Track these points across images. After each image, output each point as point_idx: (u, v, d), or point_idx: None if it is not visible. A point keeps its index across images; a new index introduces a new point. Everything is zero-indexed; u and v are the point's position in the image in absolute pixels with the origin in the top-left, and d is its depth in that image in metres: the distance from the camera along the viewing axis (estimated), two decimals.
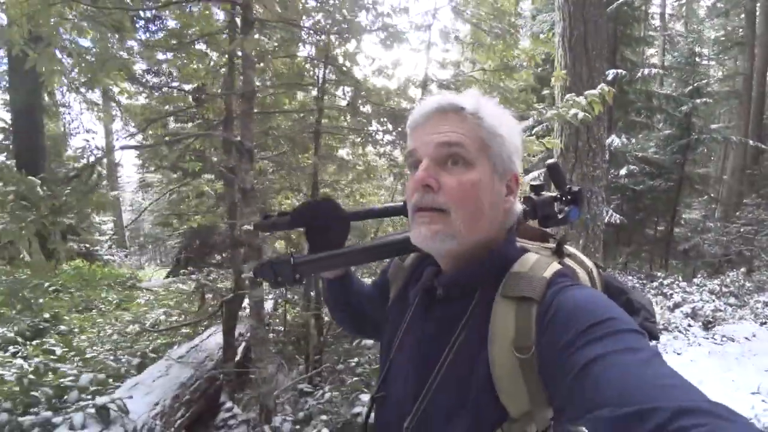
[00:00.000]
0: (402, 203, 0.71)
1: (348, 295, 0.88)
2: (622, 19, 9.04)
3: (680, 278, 7.16)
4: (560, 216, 0.74)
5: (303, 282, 0.79)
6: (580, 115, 2.27)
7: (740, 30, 16.04)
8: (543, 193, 0.75)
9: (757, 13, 13.94)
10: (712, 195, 12.69)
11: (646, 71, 9.21)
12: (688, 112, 9.77)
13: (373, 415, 0.76)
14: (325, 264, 0.79)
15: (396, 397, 0.69)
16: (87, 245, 12.71)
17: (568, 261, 0.69)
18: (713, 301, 5.80)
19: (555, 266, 0.60)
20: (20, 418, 1.91)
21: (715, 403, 0.39)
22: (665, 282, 6.69)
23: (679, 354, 4.25)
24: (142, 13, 8.30)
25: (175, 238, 11.35)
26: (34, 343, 3.49)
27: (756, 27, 13.86)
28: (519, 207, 0.68)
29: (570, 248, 0.73)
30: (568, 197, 0.74)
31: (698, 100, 9.79)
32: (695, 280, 7.16)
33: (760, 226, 9.35)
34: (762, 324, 5.08)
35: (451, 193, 0.59)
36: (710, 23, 18.22)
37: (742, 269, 7.78)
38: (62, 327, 4.10)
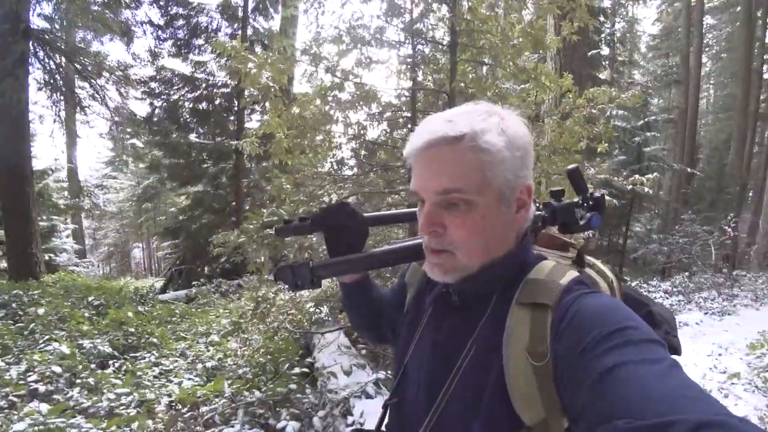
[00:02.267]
0: (416, 209, 0.70)
1: (366, 299, 0.89)
2: (593, 64, 11.04)
3: (640, 281, 9.00)
4: (581, 222, 0.73)
5: (321, 285, 0.81)
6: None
7: (674, 68, 19.20)
8: (563, 198, 0.76)
9: (691, 57, 16.98)
10: (656, 211, 15.25)
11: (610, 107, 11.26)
12: (640, 142, 12.02)
13: (386, 421, 0.75)
14: (343, 268, 0.81)
15: (410, 404, 0.70)
16: (50, 255, 12.47)
17: (588, 271, 0.70)
18: (669, 297, 7.59)
19: (572, 273, 0.61)
20: None
21: (736, 417, 0.38)
22: (633, 284, 8.49)
23: None
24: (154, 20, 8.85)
25: (168, 249, 11.65)
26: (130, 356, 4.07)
27: (690, 67, 16.83)
28: (533, 211, 0.67)
29: (591, 258, 0.74)
30: (590, 203, 0.74)
31: (648, 133, 12.08)
32: (652, 282, 9.02)
33: (695, 238, 11.67)
34: (705, 313, 6.86)
35: (456, 237, 0.60)
36: (651, 63, 21.47)
37: (686, 273, 9.82)
38: (154, 340, 4.39)
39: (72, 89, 9.89)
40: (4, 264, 10.75)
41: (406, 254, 0.76)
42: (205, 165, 10.34)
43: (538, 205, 0.73)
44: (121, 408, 2.79)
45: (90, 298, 5.83)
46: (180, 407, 2.53)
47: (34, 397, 3.04)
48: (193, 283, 8.65)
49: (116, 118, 10.31)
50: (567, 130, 3.77)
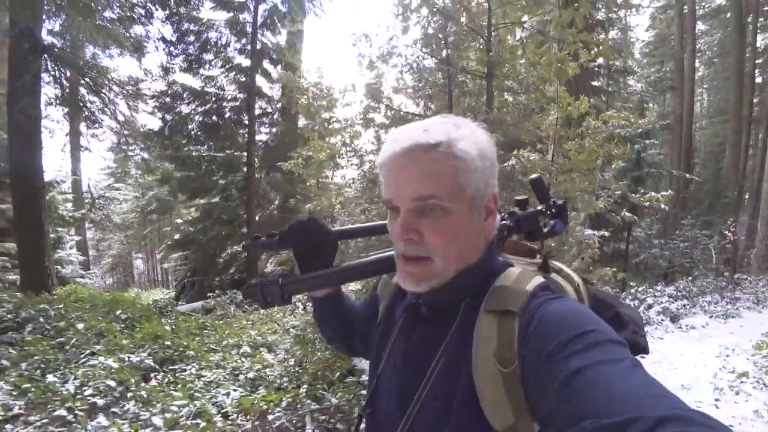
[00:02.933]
0: (386, 222, 0.72)
1: (337, 313, 0.90)
2: (590, 74, 11.42)
3: (647, 287, 9.30)
4: (545, 230, 0.76)
5: (291, 301, 0.83)
6: None
7: (669, 74, 19.71)
8: (527, 207, 0.78)
9: (684, 63, 17.47)
10: (656, 216, 15.63)
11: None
12: (639, 149, 12.39)
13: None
14: (313, 284, 0.82)
15: (383, 414, 0.71)
16: (57, 266, 12.60)
17: (554, 276, 0.72)
18: (674, 301, 7.88)
19: (538, 279, 0.63)
20: None
21: (696, 411, 0.40)
22: (639, 289, 8.76)
23: (661, 339, 6.07)
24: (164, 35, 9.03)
25: (178, 261, 11.79)
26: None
27: (684, 73, 17.31)
28: (498, 219, 0.70)
29: (557, 263, 0.76)
30: (552, 211, 0.77)
31: (647, 141, 12.46)
32: (657, 287, 9.33)
33: (695, 242, 12.02)
34: (710, 317, 7.15)
35: (433, 243, 0.62)
36: (645, 70, 21.98)
37: (688, 277, 10.14)
38: (191, 353, 4.54)
39: (82, 104, 10.08)
40: (11, 276, 10.87)
41: (376, 267, 0.78)
42: (215, 177, 10.55)
43: (503, 214, 0.76)
44: (181, 419, 2.99)
45: (117, 312, 6.00)
46: (241, 417, 2.73)
47: (93, 410, 3.24)
48: (209, 294, 8.81)
49: (126, 131, 10.53)
50: (585, 150, 4.06)
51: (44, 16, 9.30)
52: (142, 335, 4.84)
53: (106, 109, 10.09)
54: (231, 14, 10.56)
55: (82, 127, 11.24)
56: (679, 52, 17.88)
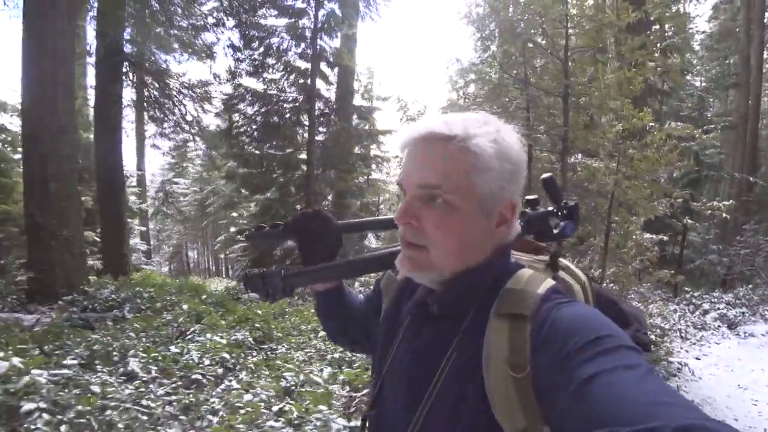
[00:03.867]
0: (392, 217, 0.72)
1: (340, 307, 0.91)
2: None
3: (702, 292, 9.28)
4: (555, 231, 0.76)
5: (293, 294, 0.84)
6: None
7: (733, 69, 18.78)
8: (538, 207, 0.78)
9: (751, 57, 16.64)
10: (714, 221, 15.13)
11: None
12: (697, 151, 12.10)
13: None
14: (315, 276, 0.82)
15: (389, 416, 0.71)
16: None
17: (562, 274, 0.72)
18: (732, 309, 7.89)
19: (549, 282, 0.62)
20: None
21: (716, 421, 0.39)
22: (695, 294, 8.79)
23: (718, 344, 6.21)
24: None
25: (239, 252, 12.82)
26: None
27: (750, 68, 16.49)
28: (518, 227, 0.69)
29: (564, 261, 0.76)
30: (564, 212, 0.77)
31: (706, 140, 12.16)
32: (714, 293, 9.28)
33: (757, 249, 11.64)
34: None
35: (429, 232, 0.62)
36: (706, 64, 21.01)
37: (750, 286, 9.97)
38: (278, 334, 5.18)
39: (158, 106, 11.14)
40: (90, 261, 12.21)
41: (380, 263, 0.77)
42: (274, 174, 11.38)
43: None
44: (292, 387, 3.62)
45: (203, 296, 6.84)
46: (348, 388, 3.29)
47: (216, 377, 3.93)
48: None
49: (192, 131, 11.54)
50: (648, 159, 4.37)
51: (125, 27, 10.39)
52: (234, 317, 5.59)
53: (176, 110, 11.13)
54: (291, 20, 11.30)
55: (151, 127, 12.48)
56: (745, 44, 17.05)
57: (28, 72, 6.97)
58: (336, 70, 11.87)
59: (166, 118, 11.15)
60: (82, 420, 2.43)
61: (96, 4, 9.83)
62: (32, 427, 2.25)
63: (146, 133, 13.22)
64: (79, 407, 2.51)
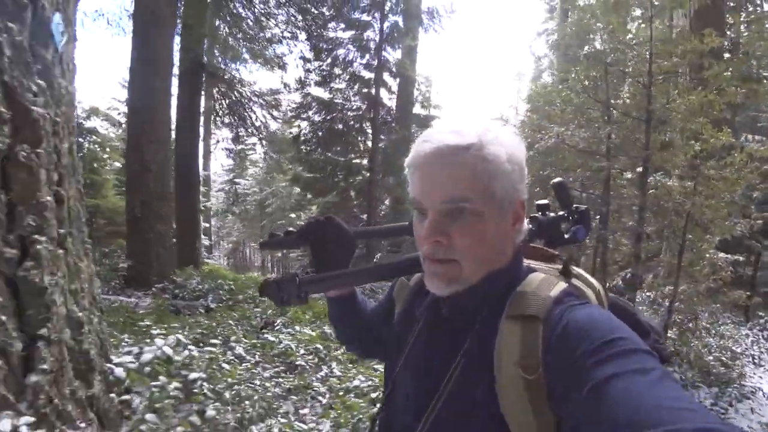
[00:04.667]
0: (407, 223, 0.73)
1: (353, 314, 0.92)
2: None
3: None
4: (567, 236, 0.78)
5: (307, 301, 0.83)
6: None
7: None
8: (549, 212, 0.79)
9: None
10: None
11: None
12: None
13: None
14: (330, 283, 0.83)
15: (399, 419, 0.72)
16: None
17: (575, 281, 0.72)
18: None
19: (561, 285, 0.63)
20: None
21: (731, 426, 0.40)
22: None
23: None
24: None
25: (300, 251, 13.71)
26: None
27: None
28: (525, 227, 0.70)
29: (577, 269, 0.76)
30: (575, 216, 0.78)
31: None
32: None
33: None
34: None
35: (461, 246, 0.62)
36: None
37: None
38: None
39: (231, 113, 12.20)
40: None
41: (394, 270, 0.78)
42: (336, 179, 12.08)
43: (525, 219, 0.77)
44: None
45: None
46: None
47: (314, 365, 4.46)
48: None
49: (261, 135, 12.51)
50: (727, 180, 4.49)
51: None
52: (314, 312, 6.20)
53: (246, 117, 12.12)
54: (356, 32, 11.98)
55: (224, 131, 13.62)
56: None
57: (133, 82, 8.02)
58: (397, 79, 12.42)
59: (237, 124, 12.20)
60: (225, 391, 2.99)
61: (180, 21, 10.97)
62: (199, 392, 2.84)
63: (214, 138, 14.48)
64: (229, 380, 3.10)
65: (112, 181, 11.82)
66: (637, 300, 4.55)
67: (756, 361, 6.34)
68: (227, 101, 12.29)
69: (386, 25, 11.82)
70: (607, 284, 4.90)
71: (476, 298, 0.65)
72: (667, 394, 0.44)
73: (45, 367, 1.68)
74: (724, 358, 5.48)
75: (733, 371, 5.27)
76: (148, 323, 4.34)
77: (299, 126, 11.81)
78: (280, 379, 3.95)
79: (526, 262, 0.74)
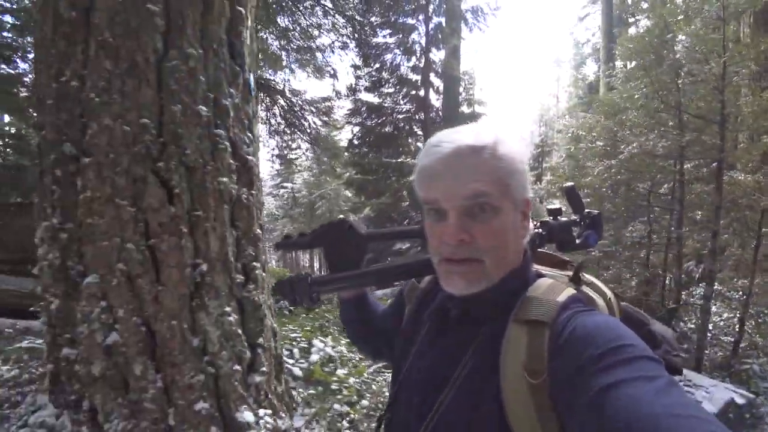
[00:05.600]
0: (418, 226, 0.74)
1: (364, 315, 0.94)
2: None
3: None
4: (578, 241, 0.78)
5: (319, 300, 0.85)
6: None
7: None
8: (560, 217, 0.80)
9: None
10: None
11: None
12: None
13: None
14: (342, 284, 0.86)
15: (404, 420, 0.72)
16: None
17: (586, 289, 0.72)
18: None
19: (569, 291, 0.64)
20: None
21: None
22: None
23: None
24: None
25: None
26: None
27: None
28: (531, 227, 0.72)
29: (588, 276, 0.76)
30: (587, 221, 0.79)
31: None
32: None
33: None
34: None
35: (485, 243, 0.62)
36: None
37: None
38: None
39: (285, 121, 12.99)
40: None
41: (405, 271, 0.80)
42: (389, 181, 12.64)
43: (535, 223, 0.78)
44: None
45: None
46: None
47: None
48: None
49: (314, 142, 13.20)
50: None
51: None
52: None
53: (299, 124, 12.84)
54: (402, 36, 12.42)
55: (277, 139, 14.46)
56: None
57: None
58: (442, 80, 12.78)
59: (290, 132, 12.94)
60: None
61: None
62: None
63: (263, 142, 15.35)
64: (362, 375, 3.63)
65: None
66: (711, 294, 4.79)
67: None
68: (280, 110, 13.10)
69: (431, 26, 12.19)
70: (683, 277, 5.13)
71: (489, 300, 0.66)
72: (673, 401, 0.44)
73: (264, 369, 2.29)
74: None
75: None
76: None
77: (351, 131, 12.43)
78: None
79: (537, 267, 0.75)
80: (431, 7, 12.05)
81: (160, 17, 1.97)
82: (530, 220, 0.71)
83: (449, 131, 0.66)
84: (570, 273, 0.76)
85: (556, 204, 0.84)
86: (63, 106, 1.99)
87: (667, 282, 6.05)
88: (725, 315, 6.33)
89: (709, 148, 4.44)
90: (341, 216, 1.00)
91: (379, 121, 12.52)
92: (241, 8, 2.27)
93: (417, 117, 12.50)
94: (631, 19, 20.12)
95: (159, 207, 1.91)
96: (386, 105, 12.56)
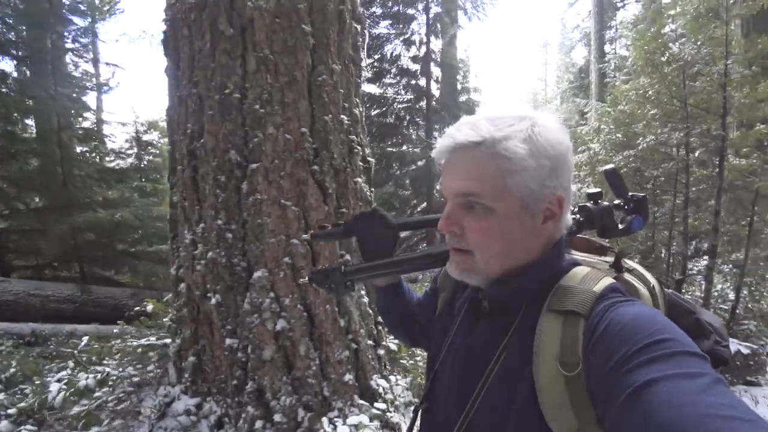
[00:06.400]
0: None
1: (398, 302, 0.98)
2: None
3: None
4: (621, 226, 0.77)
5: (354, 289, 0.90)
6: None
7: None
8: (600, 201, 0.78)
9: None
10: None
11: None
12: None
13: (417, 427, 0.81)
14: (374, 272, 0.90)
15: (440, 410, 0.74)
16: None
17: (627, 276, 0.71)
18: None
19: (607, 280, 0.63)
20: None
21: None
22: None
23: None
24: None
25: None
26: None
27: None
28: (569, 221, 0.70)
29: (631, 262, 0.75)
30: (631, 205, 0.77)
31: None
32: None
33: None
34: None
35: (472, 238, 0.65)
36: None
37: None
38: None
39: None
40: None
41: (437, 259, 0.83)
42: (391, 170, 13.13)
43: (573, 208, 0.76)
44: None
45: None
46: None
47: None
48: None
49: None
50: None
51: None
52: None
53: None
54: (402, 26, 12.81)
55: None
56: None
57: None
58: (441, 68, 13.27)
59: None
60: None
61: None
62: None
63: None
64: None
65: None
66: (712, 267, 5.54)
67: None
68: None
69: (430, 16, 12.62)
70: (689, 252, 5.88)
71: (510, 292, 0.67)
72: (717, 401, 0.42)
73: (384, 343, 2.77)
74: None
75: None
76: None
77: None
78: None
79: (574, 254, 0.75)
80: None
81: (311, 36, 2.37)
82: (567, 216, 0.70)
83: (465, 119, 0.67)
84: (610, 259, 0.75)
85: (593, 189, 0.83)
86: (228, 116, 2.30)
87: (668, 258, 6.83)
88: (719, 286, 7.17)
89: (712, 138, 5.14)
90: (374, 206, 1.07)
91: (381, 111, 12.95)
92: (358, 25, 2.71)
93: (418, 106, 12.97)
94: (620, 3, 20.91)
95: (317, 206, 2.37)
96: (388, 95, 12.99)
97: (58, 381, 3.10)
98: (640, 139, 5.19)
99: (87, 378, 3.00)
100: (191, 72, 2.53)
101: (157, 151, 9.38)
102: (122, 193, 8.10)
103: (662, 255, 6.24)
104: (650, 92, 5.09)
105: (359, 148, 2.56)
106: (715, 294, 7.11)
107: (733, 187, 5.62)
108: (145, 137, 9.62)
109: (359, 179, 2.55)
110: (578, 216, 0.78)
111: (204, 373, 2.61)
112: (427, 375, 0.84)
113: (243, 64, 2.36)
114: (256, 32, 2.33)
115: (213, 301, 2.44)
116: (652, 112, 5.15)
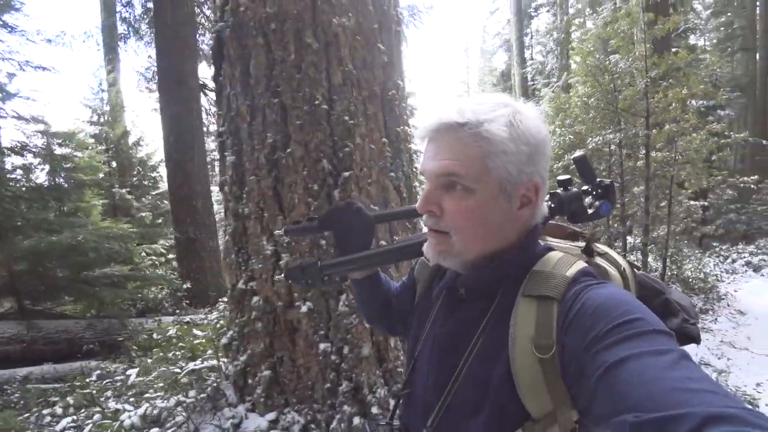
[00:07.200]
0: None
1: (376, 293, 1.02)
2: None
3: (729, 245, 12.23)
4: (590, 211, 0.81)
5: (332, 283, 0.94)
6: None
7: (737, 30, 20.39)
8: (570, 187, 0.82)
9: (757, 19, 17.95)
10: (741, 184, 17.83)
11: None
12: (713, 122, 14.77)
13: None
14: (351, 266, 0.93)
15: (419, 395, 0.79)
16: None
17: (598, 260, 0.76)
18: (755, 257, 10.83)
19: (579, 264, 0.68)
20: None
21: (749, 410, 0.41)
22: (723, 248, 11.75)
23: (747, 282, 8.86)
24: None
25: None
26: None
27: (757, 32, 17.91)
28: (544, 210, 0.74)
29: (602, 246, 0.80)
30: (599, 191, 0.82)
31: (722, 112, 14.89)
32: (738, 246, 12.24)
33: None
34: None
35: (450, 218, 0.69)
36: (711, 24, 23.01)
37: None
38: None
39: None
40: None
41: (413, 249, 0.86)
42: None
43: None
44: None
45: None
46: None
47: None
48: None
49: None
50: (698, 152, 7.09)
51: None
52: None
53: None
54: None
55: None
56: (752, 7, 18.36)
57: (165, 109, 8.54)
58: None
59: None
60: None
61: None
62: None
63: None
64: None
65: (98, 207, 10.59)
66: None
67: (719, 279, 9.26)
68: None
69: None
70: (621, 230, 7.40)
71: (486, 277, 0.72)
72: (683, 375, 0.46)
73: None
74: (701, 276, 8.29)
75: (708, 284, 8.05)
76: None
77: None
78: None
79: (547, 240, 0.81)
80: None
81: (385, 55, 2.71)
82: (542, 204, 0.73)
83: (448, 102, 0.71)
84: (582, 244, 0.80)
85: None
86: (318, 127, 2.53)
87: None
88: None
89: (639, 136, 6.68)
90: (348, 199, 1.02)
91: None
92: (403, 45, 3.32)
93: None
94: (534, 13, 23.41)
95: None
96: None
97: (78, 428, 2.87)
98: (589, 139, 6.58)
99: (130, 416, 2.81)
100: (268, 81, 2.62)
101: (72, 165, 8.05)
102: (58, 213, 7.08)
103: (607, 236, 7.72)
104: (591, 100, 6.51)
105: (412, 155, 3.24)
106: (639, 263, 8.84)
107: (654, 175, 7.22)
108: (58, 150, 8.06)
109: (416, 183, 3.24)
110: (549, 202, 0.82)
111: (281, 385, 2.66)
112: (407, 363, 0.89)
113: (328, 77, 2.57)
114: (341, 48, 2.57)
115: (304, 308, 2.54)
116: (592, 113, 6.59)
